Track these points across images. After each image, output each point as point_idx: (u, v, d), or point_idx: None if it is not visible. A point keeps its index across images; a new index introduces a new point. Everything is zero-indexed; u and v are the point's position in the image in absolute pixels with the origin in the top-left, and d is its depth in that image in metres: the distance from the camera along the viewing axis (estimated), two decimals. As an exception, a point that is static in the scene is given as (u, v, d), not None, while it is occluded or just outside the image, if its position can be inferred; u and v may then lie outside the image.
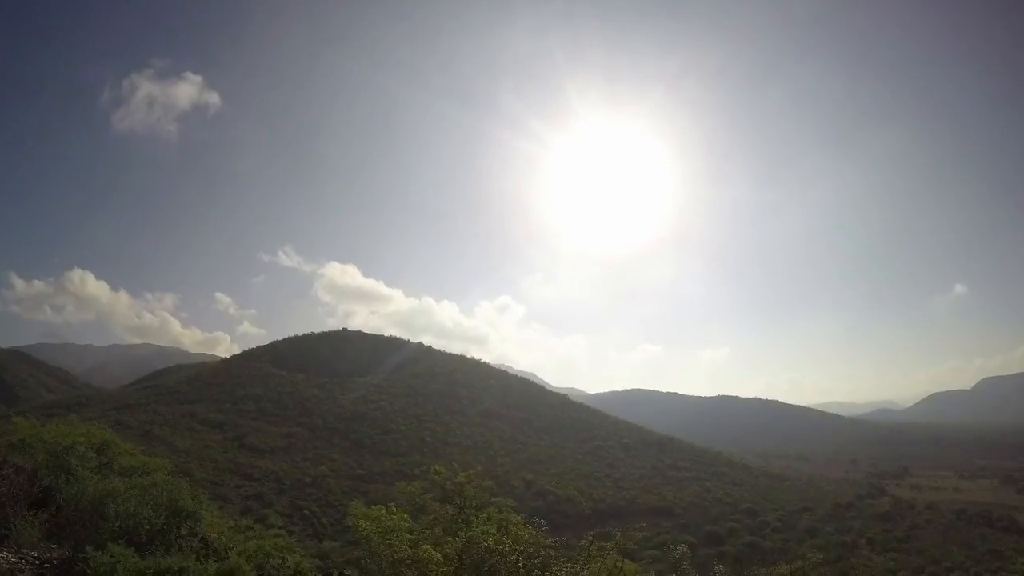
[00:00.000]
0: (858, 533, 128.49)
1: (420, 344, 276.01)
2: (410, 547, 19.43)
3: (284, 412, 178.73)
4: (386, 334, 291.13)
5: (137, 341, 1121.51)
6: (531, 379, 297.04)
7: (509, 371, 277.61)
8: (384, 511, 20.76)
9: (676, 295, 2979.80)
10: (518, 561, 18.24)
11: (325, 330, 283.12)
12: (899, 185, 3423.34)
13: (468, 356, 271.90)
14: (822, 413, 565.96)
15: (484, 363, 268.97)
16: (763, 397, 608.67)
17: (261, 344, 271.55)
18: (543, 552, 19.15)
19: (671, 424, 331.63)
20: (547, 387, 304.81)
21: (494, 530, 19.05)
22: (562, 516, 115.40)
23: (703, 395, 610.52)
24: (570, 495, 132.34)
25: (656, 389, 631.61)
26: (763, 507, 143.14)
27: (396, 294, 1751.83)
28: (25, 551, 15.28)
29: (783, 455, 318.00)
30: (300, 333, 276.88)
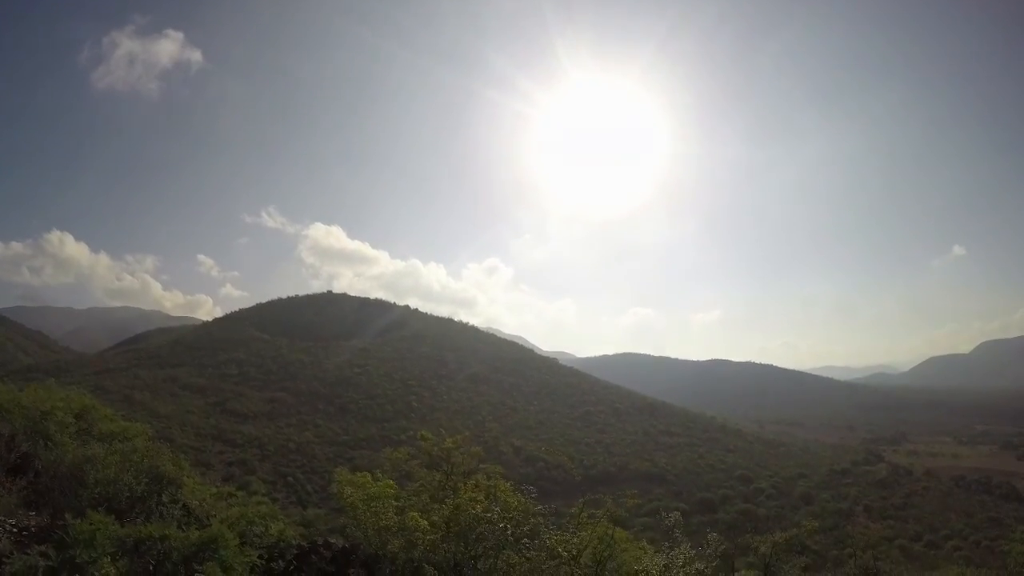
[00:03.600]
0: (855, 500, 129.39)
1: (407, 307, 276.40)
2: (396, 514, 19.16)
3: (267, 376, 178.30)
4: (372, 297, 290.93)
5: (117, 304, 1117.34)
6: (520, 343, 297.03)
7: (498, 335, 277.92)
8: (370, 478, 20.45)
9: (667, 257, 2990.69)
10: (506, 529, 18.00)
11: (309, 293, 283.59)
12: (897, 144, 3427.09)
13: (456, 319, 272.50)
14: (817, 377, 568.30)
15: (472, 326, 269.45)
16: (756, 361, 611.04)
17: (244, 307, 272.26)
18: (532, 520, 18.90)
19: (663, 389, 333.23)
20: (536, 351, 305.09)
21: (482, 497, 18.77)
22: (552, 483, 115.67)
23: (695, 359, 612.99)
24: (560, 461, 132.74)
25: (648, 353, 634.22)
26: (757, 473, 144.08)
27: (382, 256, 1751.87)
28: (2, 518, 14.96)
29: (778, 420, 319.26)
30: (284, 296, 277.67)
